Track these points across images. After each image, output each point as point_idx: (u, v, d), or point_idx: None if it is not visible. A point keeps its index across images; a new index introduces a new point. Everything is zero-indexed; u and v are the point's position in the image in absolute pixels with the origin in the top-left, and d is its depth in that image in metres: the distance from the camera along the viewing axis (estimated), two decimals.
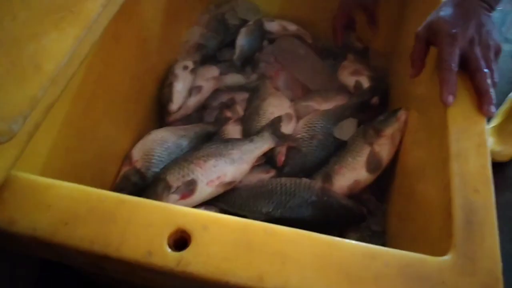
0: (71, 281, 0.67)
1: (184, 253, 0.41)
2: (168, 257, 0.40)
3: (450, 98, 0.53)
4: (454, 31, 0.55)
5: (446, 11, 0.58)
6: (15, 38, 0.43)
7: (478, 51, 0.54)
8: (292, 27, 1.20)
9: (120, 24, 0.76)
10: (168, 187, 0.76)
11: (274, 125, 0.88)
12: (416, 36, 0.61)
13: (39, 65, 0.45)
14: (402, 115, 0.78)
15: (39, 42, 0.45)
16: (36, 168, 0.59)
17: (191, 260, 0.40)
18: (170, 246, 0.41)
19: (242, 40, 1.13)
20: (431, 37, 0.59)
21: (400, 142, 0.80)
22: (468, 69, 0.54)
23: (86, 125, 0.72)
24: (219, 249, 0.41)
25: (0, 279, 0.63)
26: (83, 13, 0.50)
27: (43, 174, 0.60)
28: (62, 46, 0.48)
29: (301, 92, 1.15)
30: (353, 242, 0.42)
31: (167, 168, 0.81)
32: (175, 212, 0.44)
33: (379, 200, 0.84)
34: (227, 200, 0.78)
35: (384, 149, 0.79)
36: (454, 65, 0.54)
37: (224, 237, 0.42)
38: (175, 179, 0.77)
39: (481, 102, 0.52)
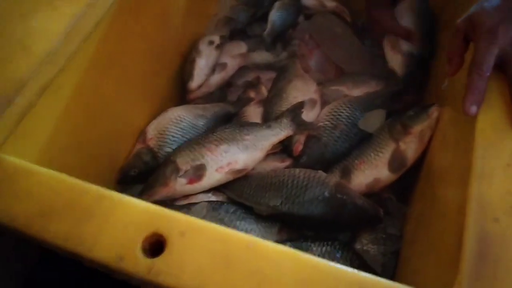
0: None
1: (156, 260, 0.38)
2: (139, 264, 0.38)
3: (473, 109, 0.46)
4: (495, 26, 0.46)
5: (491, 2, 0.49)
6: (0, 18, 0.40)
7: None
8: (330, 3, 1.12)
9: None
10: (176, 170, 0.74)
11: (295, 111, 0.83)
12: (455, 29, 0.53)
13: (27, 46, 0.43)
14: (434, 111, 0.71)
15: (29, 22, 0.43)
16: (37, 147, 0.58)
17: (163, 270, 0.37)
18: (144, 251, 0.39)
19: (275, 15, 1.06)
20: (470, 32, 0.50)
21: (429, 140, 0.73)
22: (506, 73, 0.46)
23: (96, 101, 0.70)
24: (194, 260, 0.38)
25: (6, 253, 0.64)
26: None
27: (47, 152, 0.60)
28: (55, 26, 0.45)
29: (335, 74, 1.08)
30: (341, 267, 0.37)
31: (178, 149, 0.78)
32: (154, 213, 0.41)
33: (401, 200, 0.78)
34: (235, 188, 0.75)
35: (410, 147, 0.72)
36: (487, 69, 0.46)
37: (202, 247, 0.39)
38: (184, 162, 0.74)
39: None
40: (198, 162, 0.74)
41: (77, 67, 0.62)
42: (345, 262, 0.66)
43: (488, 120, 0.45)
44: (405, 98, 0.94)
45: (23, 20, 0.42)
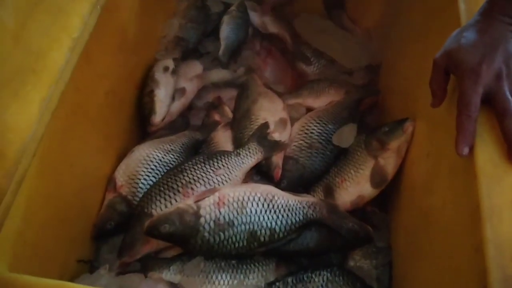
0: None
1: None
2: None
3: (466, 150, 0.47)
4: (477, 65, 0.48)
5: (467, 38, 0.50)
6: None
7: (506, 87, 0.47)
8: (272, 28, 1.08)
9: (91, 41, 0.65)
10: None
11: (260, 134, 0.82)
12: (434, 64, 0.54)
13: (0, 152, 0.37)
14: (409, 127, 0.73)
15: None
16: (15, 229, 0.51)
17: None
18: None
19: (226, 31, 1.02)
20: (451, 68, 0.51)
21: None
22: (495, 109, 0.48)
23: (62, 162, 0.64)
24: None
25: None
26: (48, 68, 0.42)
27: (25, 231, 0.54)
28: (26, 119, 0.39)
29: (292, 83, 1.08)
30: None
31: (150, 196, 0.73)
32: None
33: (381, 209, 0.80)
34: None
35: (389, 162, 0.74)
36: (474, 110, 0.47)
37: None
38: None
39: (510, 152, 0.46)
40: None
41: (44, 144, 0.55)
42: (348, 287, 0.67)
43: (486, 154, 0.47)
44: (365, 102, 0.96)
45: None
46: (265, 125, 0.84)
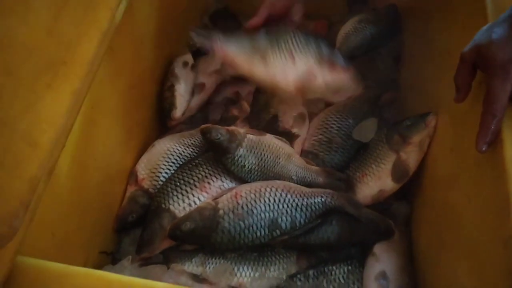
0: None
1: None
2: None
3: (484, 147, 0.48)
4: (508, 63, 0.46)
5: (499, 33, 0.49)
6: (2, 119, 0.35)
7: None
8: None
9: (116, 34, 0.66)
10: (174, 219, 0.70)
11: (271, 126, 0.82)
12: (461, 58, 0.53)
13: (34, 142, 0.38)
14: (431, 120, 0.72)
15: (32, 114, 0.37)
16: (45, 220, 0.52)
17: None
18: None
19: None
20: (480, 63, 0.50)
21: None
22: None
23: (86, 154, 0.65)
24: None
25: None
26: (78, 60, 0.42)
27: (53, 222, 0.55)
28: (58, 110, 0.40)
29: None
30: None
31: (167, 191, 0.73)
32: None
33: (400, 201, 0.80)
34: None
35: (411, 156, 0.74)
36: (501, 110, 0.47)
37: None
38: (181, 209, 0.71)
39: None
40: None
41: (71, 136, 0.56)
42: None
43: None
44: (385, 97, 0.95)
45: (26, 113, 0.37)
46: (275, 118, 0.84)
